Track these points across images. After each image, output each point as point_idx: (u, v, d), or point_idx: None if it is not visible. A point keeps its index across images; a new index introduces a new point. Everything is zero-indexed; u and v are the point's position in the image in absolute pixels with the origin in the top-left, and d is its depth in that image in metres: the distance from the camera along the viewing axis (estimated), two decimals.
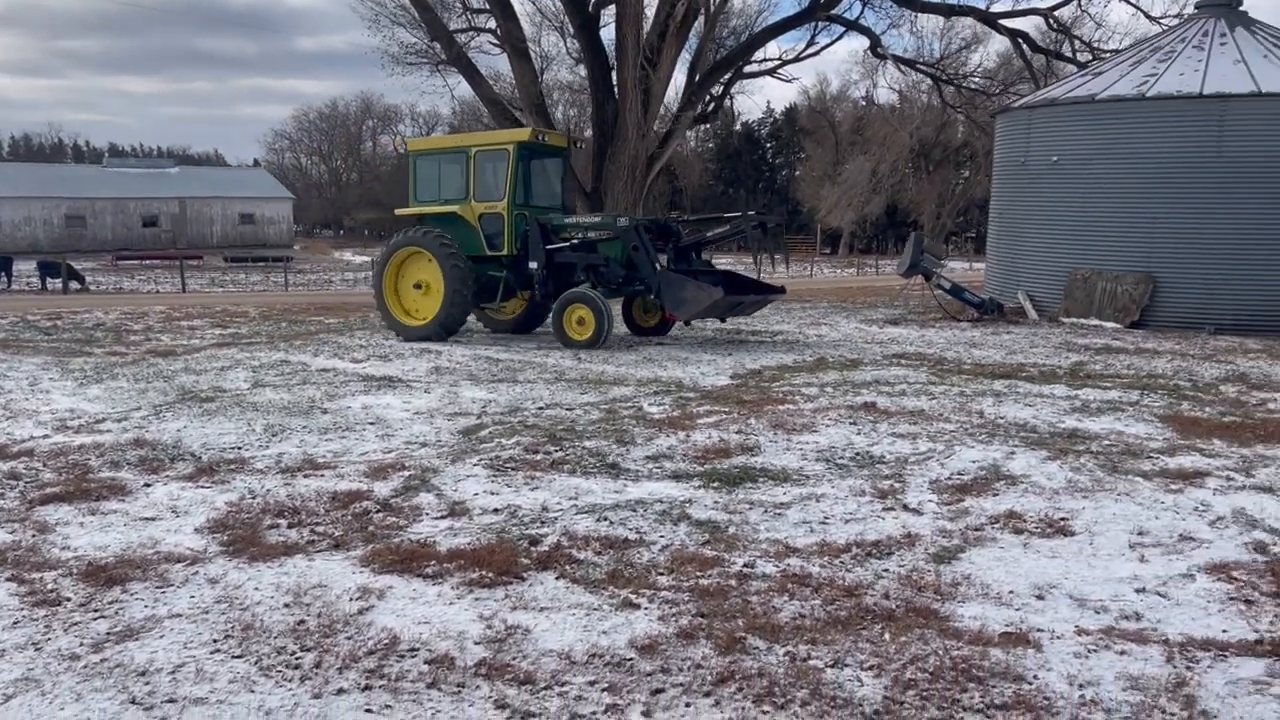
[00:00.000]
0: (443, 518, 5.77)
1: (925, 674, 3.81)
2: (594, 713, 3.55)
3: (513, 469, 6.81)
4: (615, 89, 24.05)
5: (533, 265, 14.03)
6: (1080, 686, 3.71)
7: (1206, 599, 4.55)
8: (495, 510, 5.89)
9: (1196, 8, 17.99)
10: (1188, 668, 3.86)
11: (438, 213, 14.38)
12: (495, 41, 24.41)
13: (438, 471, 6.73)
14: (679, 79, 28.23)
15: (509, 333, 15.73)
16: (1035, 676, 3.79)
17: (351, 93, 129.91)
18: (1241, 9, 17.50)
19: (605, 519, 5.73)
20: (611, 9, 23.91)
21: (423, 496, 6.17)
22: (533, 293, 14.42)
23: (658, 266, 13.23)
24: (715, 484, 6.46)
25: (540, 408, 9.02)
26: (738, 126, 79.95)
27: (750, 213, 13.39)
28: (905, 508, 5.95)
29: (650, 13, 24.03)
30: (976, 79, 38.39)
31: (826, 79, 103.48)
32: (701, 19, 25.78)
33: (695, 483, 6.50)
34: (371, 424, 8.28)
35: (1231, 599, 4.55)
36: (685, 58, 26.78)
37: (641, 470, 6.83)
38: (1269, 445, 7.47)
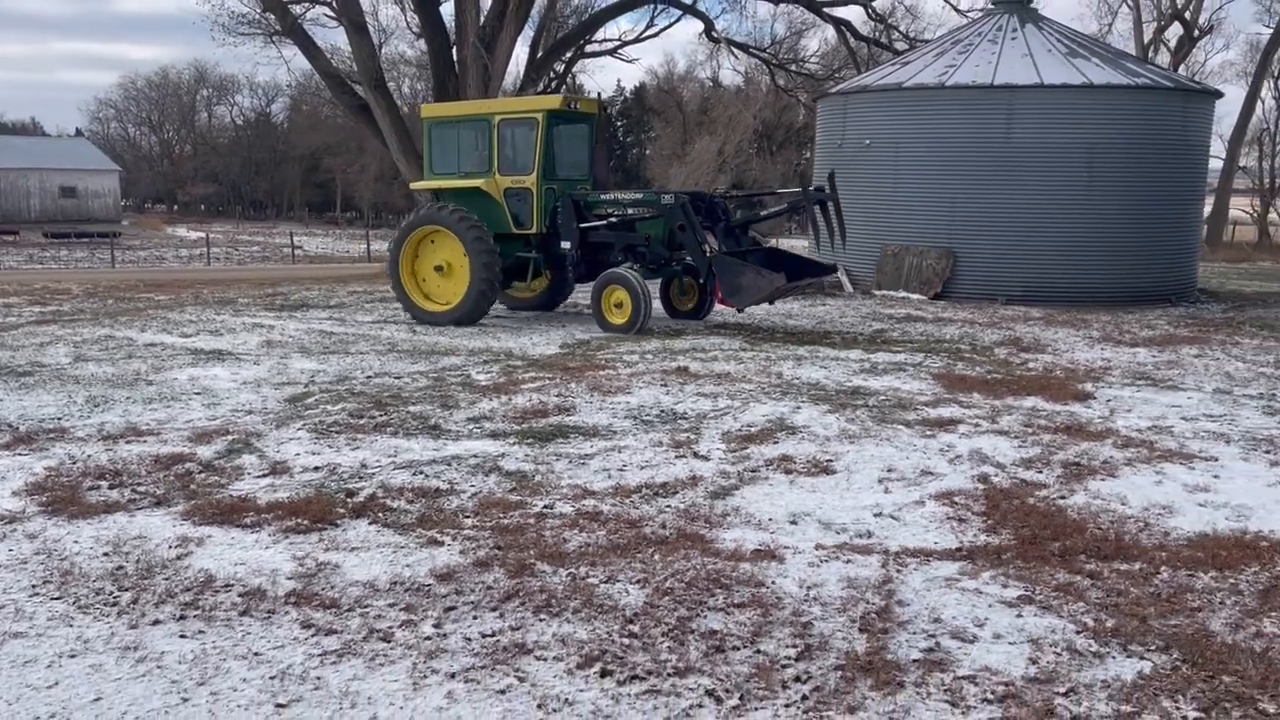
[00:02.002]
0: (264, 476, 6.11)
1: (682, 584, 4.47)
2: (390, 627, 4.05)
3: (336, 432, 7.17)
4: (456, 65, 24.11)
5: (565, 245, 13.04)
6: (808, 588, 4.45)
7: (929, 520, 5.40)
8: (316, 468, 6.27)
9: (993, 3, 19.55)
10: (897, 570, 4.66)
11: (458, 187, 13.36)
12: (331, 14, 24.05)
13: (261, 435, 7.03)
14: (521, 56, 28.45)
15: (531, 310, 14.84)
16: (773, 582, 4.51)
17: (183, 60, 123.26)
18: (1032, 6, 19.10)
19: (421, 473, 6.19)
20: None
21: (245, 458, 6.48)
22: (564, 273, 13.57)
23: (708, 249, 12.26)
24: (529, 440, 7.00)
25: (369, 377, 9.35)
26: None
27: (811, 189, 12.39)
28: (695, 455, 6.65)
29: None
30: (813, 63, 40.00)
31: (674, 59, 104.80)
32: None
33: (511, 440, 7.02)
34: (198, 394, 8.44)
35: (949, 519, 5.41)
36: (529, 33, 27.06)
37: (462, 431, 7.30)
38: (1018, 397, 8.55)
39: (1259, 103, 43.17)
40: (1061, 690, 3.54)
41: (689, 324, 13.33)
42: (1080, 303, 16.27)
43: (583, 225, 13.01)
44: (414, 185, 14.30)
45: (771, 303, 13.45)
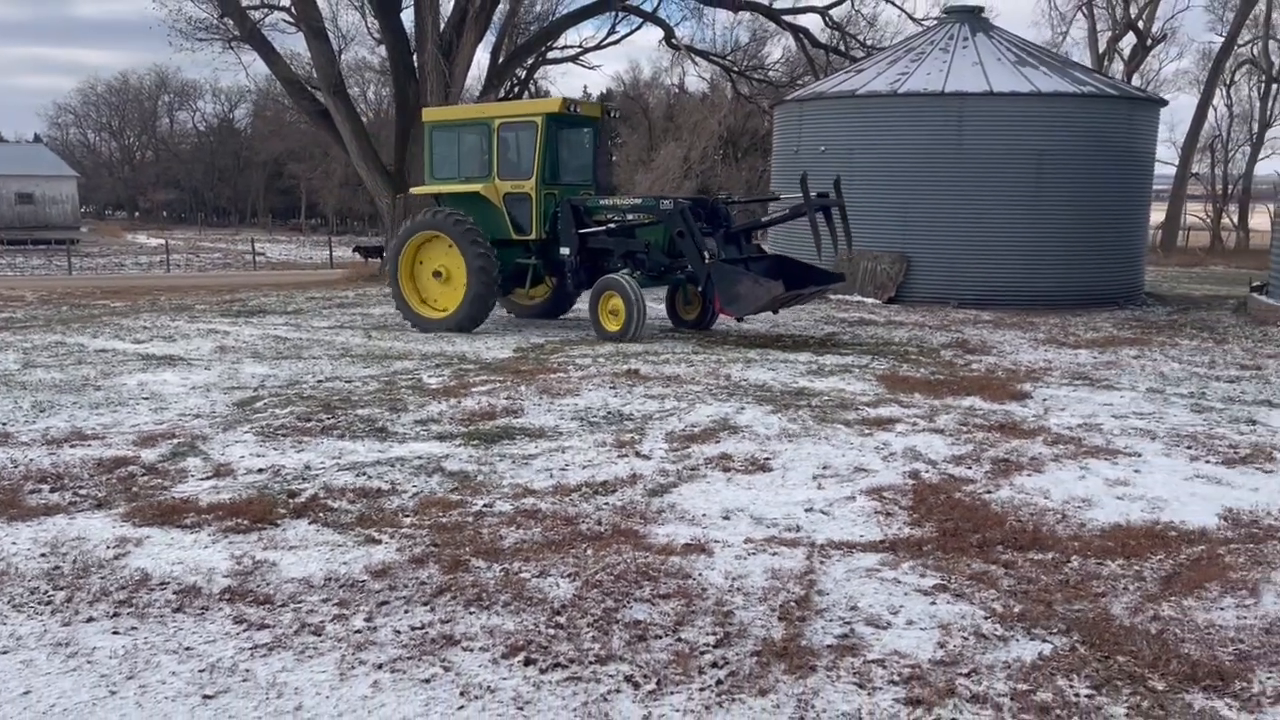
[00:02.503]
0: (207, 478, 6.17)
1: (612, 577, 4.60)
2: (322, 621, 4.14)
3: (282, 435, 7.23)
4: (417, 71, 24.14)
5: (564, 251, 12.87)
6: (733, 579, 4.59)
7: (857, 514, 5.56)
8: (259, 470, 6.33)
9: (945, 12, 19.94)
10: (820, 562, 4.81)
11: (457, 192, 13.22)
12: (290, 20, 23.99)
13: (207, 439, 7.07)
14: (484, 62, 28.54)
15: (536, 318, 14.67)
16: (700, 574, 4.65)
17: (144, 65, 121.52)
18: (983, 15, 19.51)
19: (364, 474, 6.27)
20: None
21: (189, 461, 6.52)
22: (565, 280, 13.31)
23: (708, 255, 11.93)
24: (475, 442, 7.10)
25: (320, 381, 9.40)
26: None
27: (814, 195, 11.92)
28: (638, 454, 6.77)
29: None
30: (776, 70, 40.35)
31: (639, 66, 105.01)
32: (505, 4, 26.18)
33: (457, 442, 7.11)
34: (146, 399, 8.45)
35: (876, 513, 5.58)
36: (490, 39, 27.13)
37: (409, 433, 7.38)
38: (957, 397, 8.76)
39: (1211, 110, 44.09)
40: (964, 671, 3.70)
41: (695, 334, 13.07)
42: (1030, 306, 16.60)
43: (582, 231, 12.80)
44: (414, 190, 13.94)
45: (776, 311, 13.09)
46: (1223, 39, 41.41)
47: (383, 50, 26.62)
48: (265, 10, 24.07)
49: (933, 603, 4.33)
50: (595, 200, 13.09)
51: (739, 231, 12.73)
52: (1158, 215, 42.98)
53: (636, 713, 3.43)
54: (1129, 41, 44.20)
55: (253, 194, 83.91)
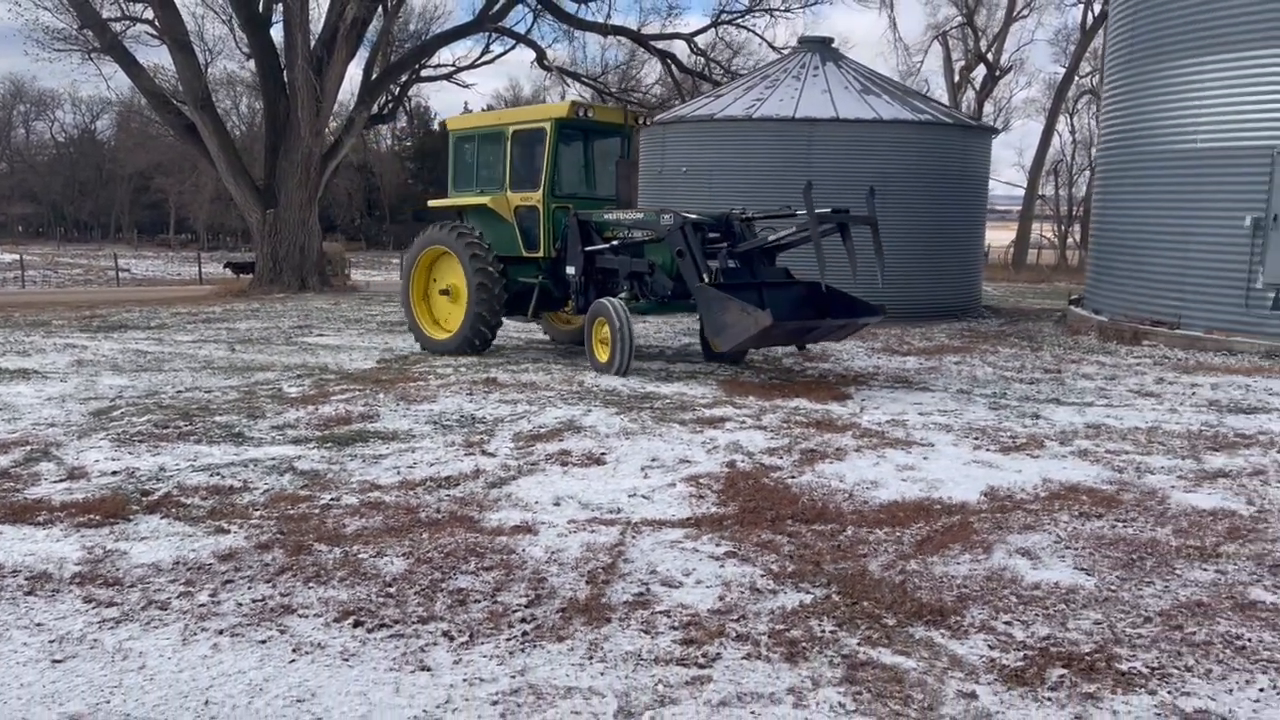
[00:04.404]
0: (61, 481, 6.41)
1: (442, 554, 5.11)
2: (168, 598, 4.53)
3: (139, 441, 7.48)
4: (287, 87, 24.11)
5: (569, 270, 11.96)
6: (551, 553, 5.16)
7: (673, 497, 6.21)
8: (114, 473, 6.60)
9: (799, 42, 21.17)
10: (631, 537, 5.43)
11: (469, 205, 12.59)
12: (154, 33, 23.65)
13: (61, 445, 7.27)
14: (356, 78, 28.56)
15: (573, 344, 13.33)
16: (524, 550, 5.20)
17: None
18: (833, 46, 20.81)
19: (218, 474, 6.61)
20: (281, 6, 23.95)
21: (43, 465, 6.74)
22: (573, 302, 12.16)
23: (706, 278, 10.46)
24: (329, 445, 7.49)
25: (179, 391, 9.59)
26: (434, 126, 79.96)
27: (824, 210, 10.42)
28: (484, 453, 7.29)
29: (324, 13, 24.33)
30: (649, 93, 41.40)
31: (518, 84, 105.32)
32: (378, 22, 26.36)
33: (311, 445, 7.49)
34: None
35: (690, 496, 6.24)
36: (364, 54, 27.24)
37: (264, 437, 7.72)
38: (787, 399, 9.56)
39: (1056, 136, 47.26)
40: (735, 618, 4.36)
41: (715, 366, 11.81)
42: None
43: (588, 249, 11.79)
44: (431, 203, 13.55)
45: (802, 348, 11.58)
46: (1065, 70, 44.52)
47: (253, 64, 26.44)
48: (127, 23, 23.66)
49: (721, 566, 4.99)
50: (601, 215, 11.94)
51: (753, 251, 10.98)
52: (1009, 234, 45.84)
53: (448, 659, 3.96)
54: (981, 72, 47.10)
55: (117, 208, 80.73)
